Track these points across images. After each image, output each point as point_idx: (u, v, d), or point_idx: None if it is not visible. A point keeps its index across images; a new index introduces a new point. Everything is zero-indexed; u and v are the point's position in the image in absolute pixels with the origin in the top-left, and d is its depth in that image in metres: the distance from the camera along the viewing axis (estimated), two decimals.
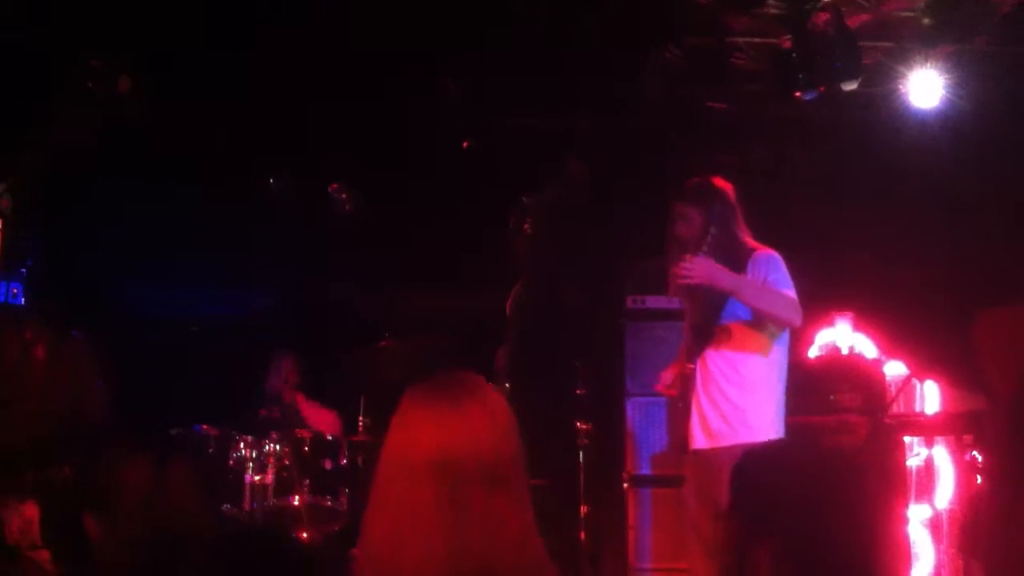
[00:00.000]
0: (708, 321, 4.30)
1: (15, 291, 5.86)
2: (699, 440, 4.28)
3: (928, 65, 5.32)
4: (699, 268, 4.16)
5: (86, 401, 2.19)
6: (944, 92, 5.38)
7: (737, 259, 4.29)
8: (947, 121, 5.45)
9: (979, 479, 4.93)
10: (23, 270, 5.90)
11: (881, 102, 5.49)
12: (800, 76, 5.13)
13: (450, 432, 1.89)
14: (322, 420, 6.38)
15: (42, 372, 2.14)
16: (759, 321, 4.25)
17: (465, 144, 5.90)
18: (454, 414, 1.91)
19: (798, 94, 5.20)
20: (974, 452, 4.92)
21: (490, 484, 1.87)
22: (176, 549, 2.04)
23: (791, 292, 4.25)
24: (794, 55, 5.10)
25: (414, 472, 1.88)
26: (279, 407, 6.51)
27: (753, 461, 2.09)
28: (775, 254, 4.31)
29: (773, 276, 4.25)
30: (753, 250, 4.33)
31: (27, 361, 2.11)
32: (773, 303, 4.21)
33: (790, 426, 4.42)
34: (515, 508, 1.88)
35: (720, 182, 4.41)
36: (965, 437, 5.28)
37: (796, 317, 4.25)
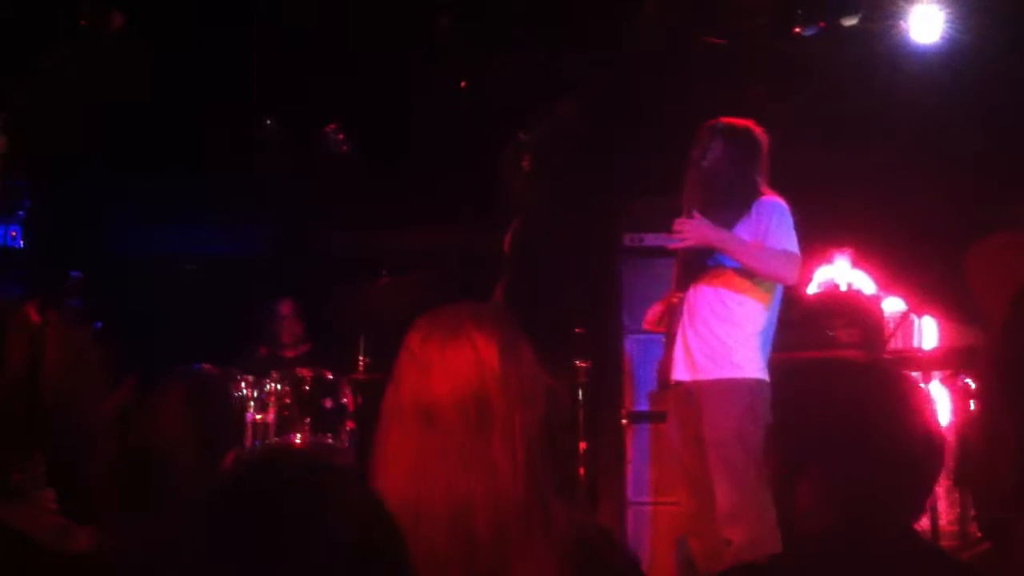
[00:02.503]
0: (700, 255, 4.29)
1: (13, 234, 5.86)
2: (681, 371, 4.24)
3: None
4: (693, 230, 4.13)
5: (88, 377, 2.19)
6: (945, 27, 5.33)
7: (745, 202, 4.27)
8: (947, 56, 5.41)
9: (971, 405, 4.96)
10: (21, 212, 5.90)
11: (881, 37, 5.44)
12: (799, 11, 5.08)
13: (430, 375, 1.86)
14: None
15: (52, 364, 2.14)
16: None
17: (463, 84, 5.85)
18: (437, 355, 1.88)
19: (798, 29, 5.16)
20: (966, 379, 4.94)
21: (474, 426, 1.84)
22: (154, 472, 2.04)
23: (793, 244, 4.19)
24: None
25: (402, 417, 1.87)
26: (279, 347, 6.55)
27: (799, 377, 2.00)
28: (781, 202, 4.25)
29: (776, 224, 4.20)
30: (761, 195, 4.30)
31: (38, 361, 2.11)
32: (767, 262, 4.15)
33: (785, 362, 4.43)
34: (497, 448, 1.84)
35: (752, 125, 4.37)
36: (963, 372, 5.31)
37: (791, 274, 4.20)
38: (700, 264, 4.27)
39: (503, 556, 1.79)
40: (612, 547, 1.92)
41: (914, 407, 1.80)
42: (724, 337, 4.20)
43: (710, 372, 4.18)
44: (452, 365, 1.86)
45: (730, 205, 4.25)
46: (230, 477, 1.23)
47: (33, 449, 2.00)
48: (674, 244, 4.18)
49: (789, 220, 4.23)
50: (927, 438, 1.79)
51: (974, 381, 4.77)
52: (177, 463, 2.24)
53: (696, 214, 4.15)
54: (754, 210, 4.25)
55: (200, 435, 2.39)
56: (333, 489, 1.20)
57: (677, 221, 4.15)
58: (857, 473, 1.76)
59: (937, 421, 1.83)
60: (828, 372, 1.97)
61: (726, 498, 4.03)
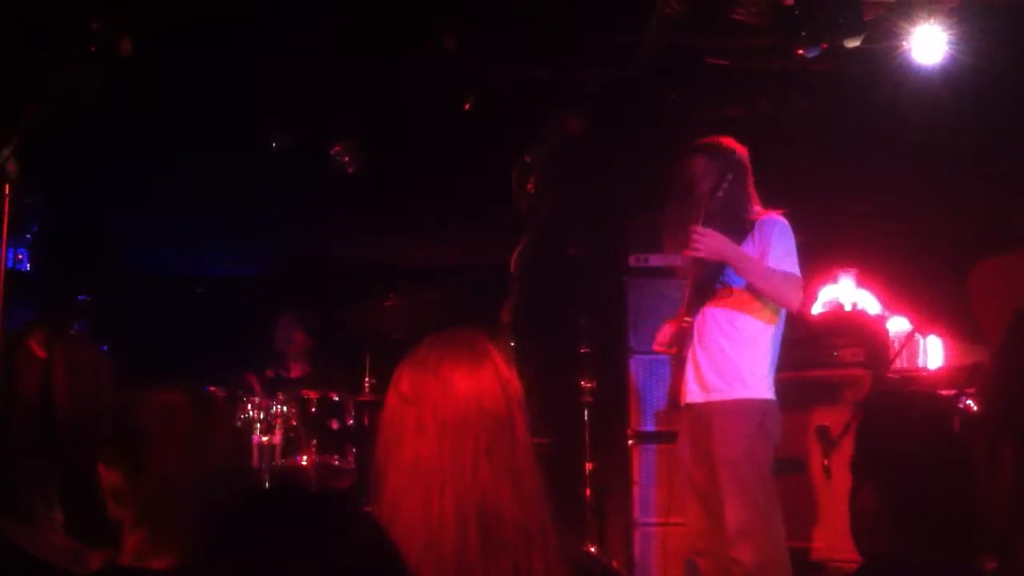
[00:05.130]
0: (710, 277, 4.31)
1: (20, 256, 5.88)
2: (694, 393, 4.29)
3: (931, 21, 5.29)
4: (707, 242, 4.16)
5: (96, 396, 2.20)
6: (947, 48, 5.35)
7: (743, 222, 4.29)
8: (950, 76, 5.42)
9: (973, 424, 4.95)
10: (28, 236, 5.91)
11: (884, 58, 5.47)
12: (803, 32, 5.10)
13: (454, 387, 1.92)
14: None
15: (62, 389, 2.16)
16: None
17: (467, 106, 5.87)
18: (462, 374, 1.94)
19: (800, 51, 5.18)
20: (968, 401, 4.95)
21: (497, 438, 1.90)
22: (217, 489, 2.06)
23: (794, 264, 4.23)
24: (796, 11, 5.07)
25: (422, 428, 1.90)
26: (283, 366, 6.56)
27: (878, 412, 2.07)
28: (782, 220, 4.30)
29: (777, 243, 4.24)
30: (760, 214, 4.33)
31: (49, 388, 2.13)
32: (775, 285, 4.20)
33: (791, 382, 4.45)
34: (519, 461, 1.92)
35: (734, 143, 4.40)
36: (968, 391, 5.31)
37: (795, 300, 4.24)
38: (710, 287, 4.29)
39: (527, 559, 1.86)
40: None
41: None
42: (734, 357, 4.23)
43: (722, 393, 4.22)
44: (478, 383, 1.93)
45: (732, 228, 4.27)
46: (235, 507, 1.25)
47: (47, 473, 2.02)
48: (689, 252, 4.21)
49: (791, 239, 4.26)
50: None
51: (976, 401, 4.77)
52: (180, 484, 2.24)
53: (706, 230, 4.17)
54: (756, 230, 4.27)
55: (206, 460, 2.39)
56: (336, 520, 1.22)
57: (694, 229, 4.17)
58: (912, 505, 1.84)
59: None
60: (916, 408, 2.06)
61: (736, 517, 4.03)
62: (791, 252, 4.25)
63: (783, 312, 4.32)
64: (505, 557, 1.85)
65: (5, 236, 4.39)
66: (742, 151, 4.38)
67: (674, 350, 4.38)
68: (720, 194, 4.26)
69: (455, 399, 1.92)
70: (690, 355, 4.31)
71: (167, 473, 2.09)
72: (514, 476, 1.89)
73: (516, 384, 1.98)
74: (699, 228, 4.16)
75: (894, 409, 2.06)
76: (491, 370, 1.95)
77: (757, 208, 4.36)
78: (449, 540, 1.82)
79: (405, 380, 1.98)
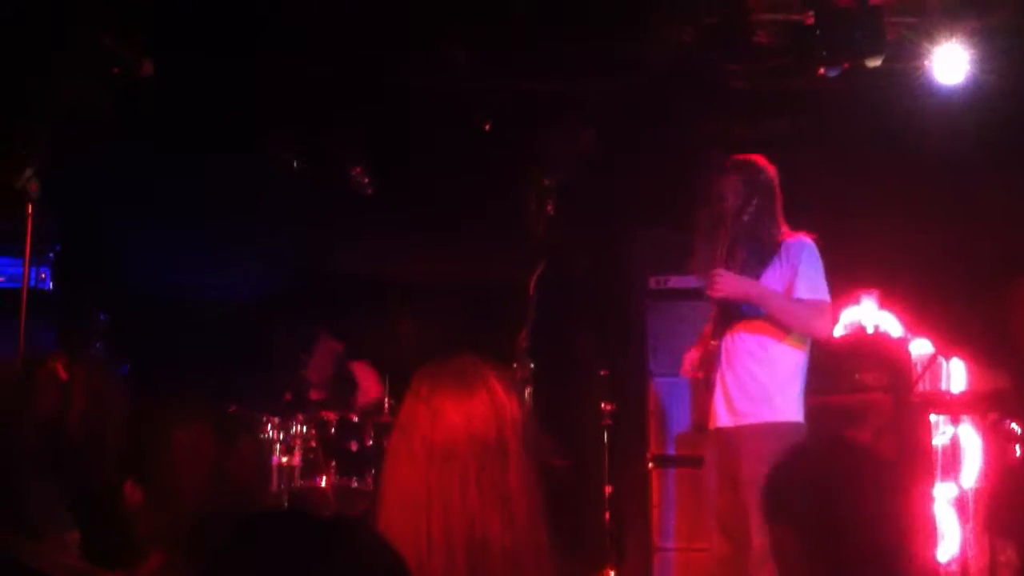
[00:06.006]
0: (736, 303, 4.29)
1: (43, 275, 5.91)
2: (723, 418, 4.26)
3: (953, 40, 5.27)
4: (726, 285, 4.14)
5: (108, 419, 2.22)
6: (969, 68, 5.33)
7: (770, 244, 4.26)
8: (971, 96, 5.40)
9: (1018, 450, 4.91)
10: (51, 255, 5.95)
11: (905, 78, 5.44)
12: (823, 52, 5.09)
13: (444, 416, 1.95)
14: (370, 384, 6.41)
15: (79, 410, 2.18)
16: None
17: (487, 126, 5.88)
18: (451, 401, 1.97)
19: (821, 71, 5.17)
20: (1012, 424, 4.89)
21: (486, 465, 1.92)
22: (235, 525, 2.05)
23: (822, 290, 4.20)
24: (817, 31, 5.06)
25: (412, 455, 1.94)
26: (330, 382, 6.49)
27: (781, 449, 2.22)
28: (810, 242, 4.27)
29: (805, 267, 4.21)
30: (787, 235, 4.30)
31: (67, 410, 2.16)
32: (801, 319, 4.19)
33: (814, 406, 4.41)
34: (510, 487, 1.92)
35: (764, 162, 4.38)
36: (990, 415, 5.25)
37: (823, 328, 4.22)
38: (736, 310, 4.27)
39: None
40: None
41: (873, 491, 1.99)
42: (763, 380, 4.20)
43: (751, 417, 4.19)
44: (468, 409, 1.96)
45: (758, 249, 4.25)
46: (246, 528, 1.25)
47: (60, 493, 2.01)
48: (710, 294, 4.19)
49: (819, 262, 4.23)
50: (889, 523, 1.98)
51: (1020, 426, 4.73)
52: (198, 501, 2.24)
53: (725, 273, 4.14)
54: (783, 252, 4.25)
55: (222, 477, 2.39)
56: (349, 542, 1.22)
57: (713, 273, 4.15)
58: (808, 538, 1.96)
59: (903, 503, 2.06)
60: (818, 453, 2.25)
61: (762, 540, 3.99)
62: (820, 275, 4.22)
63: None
64: None
65: (28, 256, 4.45)
66: (771, 171, 4.36)
67: (701, 374, 4.35)
68: (746, 217, 4.24)
69: (443, 427, 1.94)
70: (718, 379, 4.28)
71: (189, 499, 2.10)
72: (504, 503, 1.90)
73: (513, 409, 1.99)
74: (719, 272, 4.15)
75: (794, 456, 2.22)
76: (483, 396, 1.97)
77: (785, 230, 4.33)
78: (437, 567, 1.84)
79: (401, 410, 2.05)
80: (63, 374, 2.22)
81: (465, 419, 1.94)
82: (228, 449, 2.24)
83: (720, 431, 4.27)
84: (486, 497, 1.90)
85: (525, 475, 1.95)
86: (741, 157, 4.40)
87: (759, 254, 4.23)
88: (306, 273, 6.90)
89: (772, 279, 4.26)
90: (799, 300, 4.17)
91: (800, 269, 4.19)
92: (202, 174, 6.00)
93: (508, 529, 1.89)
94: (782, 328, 4.21)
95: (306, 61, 5.46)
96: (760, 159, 4.38)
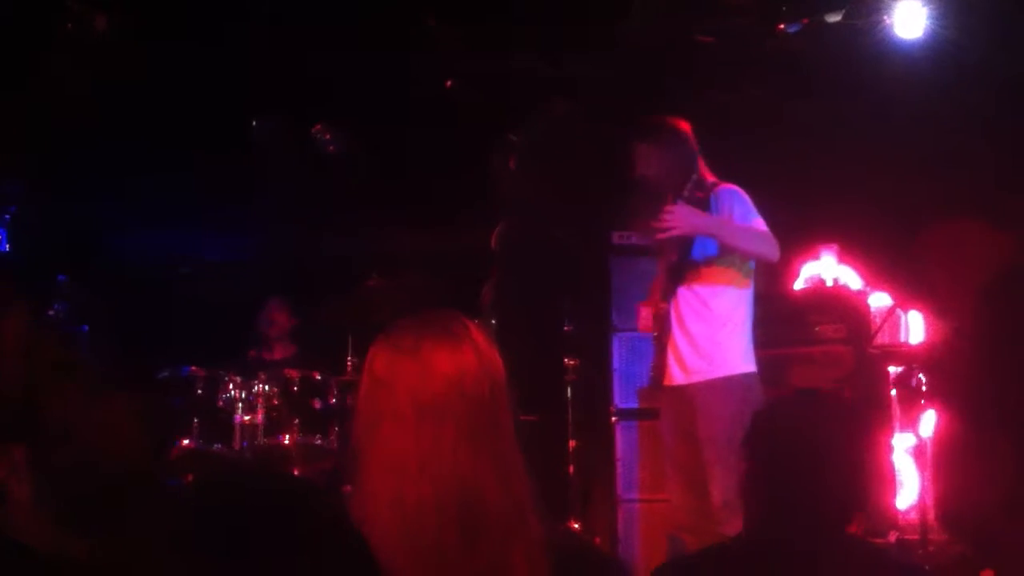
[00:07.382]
0: (680, 259, 4.34)
1: None
2: (677, 376, 4.35)
3: None
4: (678, 218, 4.17)
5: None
6: (928, 23, 5.35)
7: (697, 199, 4.32)
8: (931, 51, 5.43)
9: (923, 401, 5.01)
10: (7, 216, 5.88)
11: (865, 34, 5.46)
12: (783, 7, 5.10)
13: (434, 369, 1.84)
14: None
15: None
16: (727, 255, 4.28)
17: (448, 84, 5.84)
18: (441, 355, 1.85)
19: (782, 26, 5.18)
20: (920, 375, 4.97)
21: (480, 422, 1.83)
22: (111, 490, 1.98)
23: (760, 222, 4.28)
24: None
25: (398, 412, 1.83)
26: (267, 349, 6.54)
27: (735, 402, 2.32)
28: (737, 188, 4.34)
29: (739, 209, 4.27)
30: (715, 184, 4.35)
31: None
32: (752, 241, 4.24)
33: (775, 358, 4.47)
34: (501, 444, 1.85)
35: (675, 122, 4.41)
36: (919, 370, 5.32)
37: (774, 251, 4.27)
38: (681, 269, 4.32)
39: (507, 546, 1.79)
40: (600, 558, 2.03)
41: (848, 440, 2.11)
42: (710, 335, 4.27)
43: (703, 373, 4.27)
44: (459, 365, 1.84)
45: (691, 204, 4.29)
46: (198, 493, 1.23)
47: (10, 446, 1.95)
48: (663, 234, 4.20)
49: (748, 202, 4.31)
50: (854, 465, 2.10)
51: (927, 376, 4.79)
52: (133, 476, 2.17)
53: (676, 206, 4.18)
54: (712, 202, 4.30)
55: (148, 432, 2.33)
56: (301, 506, 1.20)
57: (664, 209, 4.17)
58: (777, 478, 2.11)
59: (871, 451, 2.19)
60: (786, 402, 2.40)
61: (722, 493, 4.06)
62: (754, 211, 4.28)
63: (751, 279, 4.36)
64: (484, 548, 1.76)
65: None
66: (684, 129, 4.39)
67: (657, 330, 4.41)
68: (673, 177, 4.29)
69: (434, 382, 1.82)
70: (670, 340, 4.36)
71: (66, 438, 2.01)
72: (497, 461, 1.81)
73: (498, 365, 1.89)
74: (670, 208, 4.17)
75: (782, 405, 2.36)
76: (471, 351, 1.85)
77: (711, 180, 4.38)
78: (427, 529, 1.74)
79: (379, 362, 1.90)
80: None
81: (458, 373, 1.83)
82: (92, 402, 2.10)
83: (674, 388, 4.34)
84: (479, 456, 1.79)
85: (513, 433, 1.86)
86: (654, 120, 4.43)
87: (694, 205, 4.27)
88: (272, 239, 6.87)
89: None
90: (747, 226, 4.23)
91: (736, 211, 4.25)
92: (163, 138, 5.93)
93: (501, 489, 1.79)
94: (721, 266, 4.26)
95: (277, 31, 5.39)
96: (670, 120, 4.41)
